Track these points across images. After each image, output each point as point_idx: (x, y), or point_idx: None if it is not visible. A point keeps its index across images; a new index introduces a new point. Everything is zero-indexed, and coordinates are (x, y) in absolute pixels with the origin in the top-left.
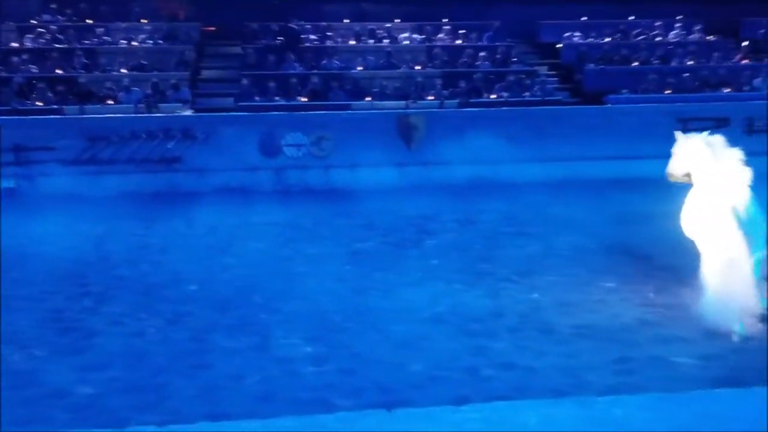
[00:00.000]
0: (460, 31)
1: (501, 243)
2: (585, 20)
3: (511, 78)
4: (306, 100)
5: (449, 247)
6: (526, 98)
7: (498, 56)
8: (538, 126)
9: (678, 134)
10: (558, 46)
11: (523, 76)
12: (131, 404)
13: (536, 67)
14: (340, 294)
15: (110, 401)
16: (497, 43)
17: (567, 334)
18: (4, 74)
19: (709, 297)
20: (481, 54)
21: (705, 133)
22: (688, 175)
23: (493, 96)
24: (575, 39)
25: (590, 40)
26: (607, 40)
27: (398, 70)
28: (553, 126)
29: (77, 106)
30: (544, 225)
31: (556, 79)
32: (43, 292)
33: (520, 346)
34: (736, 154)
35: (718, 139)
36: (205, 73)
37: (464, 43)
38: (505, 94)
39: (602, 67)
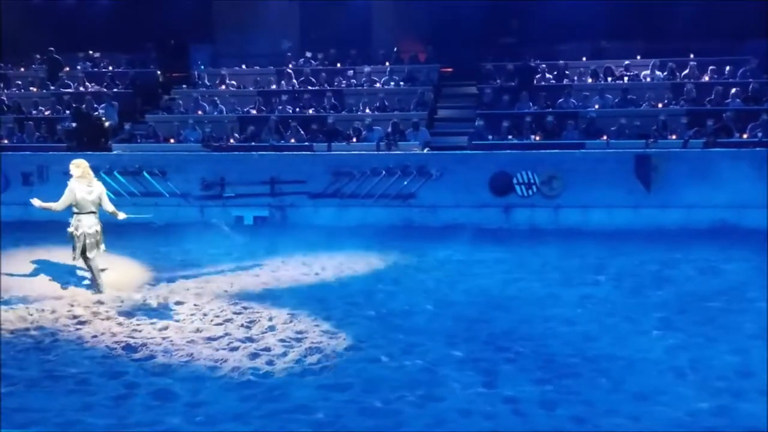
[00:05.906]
0: (710, 68)
1: (748, 296)
2: None
3: (767, 116)
4: (539, 139)
5: (689, 296)
6: None
7: (751, 93)
8: None
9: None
10: None
11: None
12: (367, 426)
13: None
14: (569, 338)
15: (348, 421)
16: (750, 80)
17: None
18: (264, 113)
19: None
20: (732, 91)
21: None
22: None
23: (745, 136)
24: None
25: None
26: None
27: (637, 108)
28: None
29: (325, 144)
30: None
31: None
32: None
33: None
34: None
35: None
36: (441, 113)
37: (712, 80)
38: (759, 134)
39: None
